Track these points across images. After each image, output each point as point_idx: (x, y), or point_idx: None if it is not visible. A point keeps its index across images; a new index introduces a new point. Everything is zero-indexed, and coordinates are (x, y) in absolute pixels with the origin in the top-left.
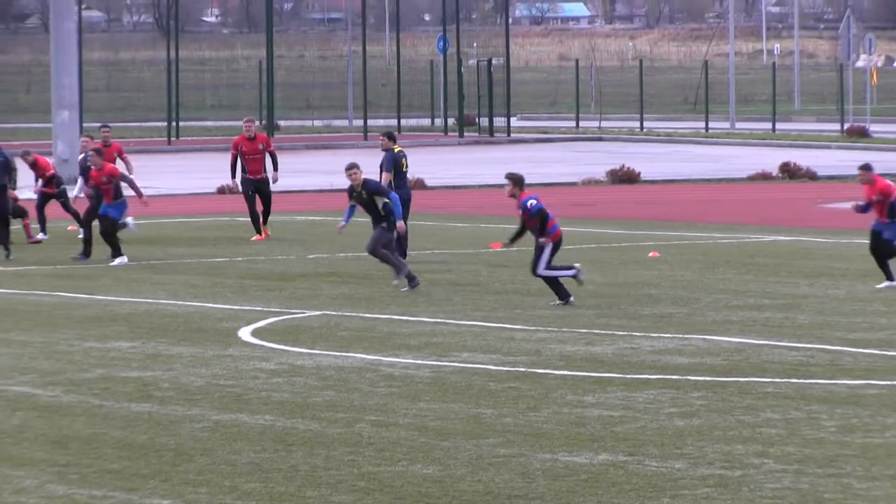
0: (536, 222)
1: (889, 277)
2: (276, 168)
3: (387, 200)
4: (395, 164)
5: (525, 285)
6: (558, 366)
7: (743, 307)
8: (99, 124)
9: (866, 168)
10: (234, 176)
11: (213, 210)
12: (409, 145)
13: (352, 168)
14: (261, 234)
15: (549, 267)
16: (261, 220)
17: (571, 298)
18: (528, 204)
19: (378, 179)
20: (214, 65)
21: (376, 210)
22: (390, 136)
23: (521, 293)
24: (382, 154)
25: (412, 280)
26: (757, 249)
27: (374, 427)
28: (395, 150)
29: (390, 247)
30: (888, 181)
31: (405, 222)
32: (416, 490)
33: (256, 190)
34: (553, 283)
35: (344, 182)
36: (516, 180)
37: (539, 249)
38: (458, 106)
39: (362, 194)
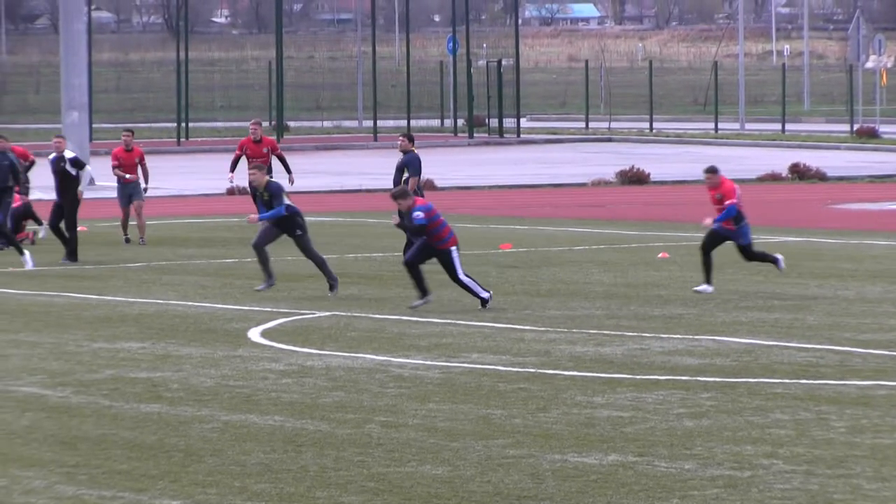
0: (443, 233)
1: (707, 280)
2: (289, 171)
3: (275, 204)
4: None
5: (534, 286)
6: (568, 366)
7: (752, 308)
8: (111, 125)
9: (713, 171)
10: (232, 170)
11: (222, 211)
12: (419, 146)
13: (252, 168)
14: None
15: (466, 274)
16: None
17: (431, 297)
18: (414, 216)
19: (394, 179)
20: (224, 66)
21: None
22: (411, 138)
23: (531, 294)
24: (401, 155)
25: (269, 279)
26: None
27: (383, 428)
28: (415, 152)
29: (312, 253)
30: (734, 183)
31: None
32: (425, 491)
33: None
34: (469, 291)
35: (353, 182)
36: (403, 194)
37: (445, 261)
38: (468, 107)
39: (264, 195)
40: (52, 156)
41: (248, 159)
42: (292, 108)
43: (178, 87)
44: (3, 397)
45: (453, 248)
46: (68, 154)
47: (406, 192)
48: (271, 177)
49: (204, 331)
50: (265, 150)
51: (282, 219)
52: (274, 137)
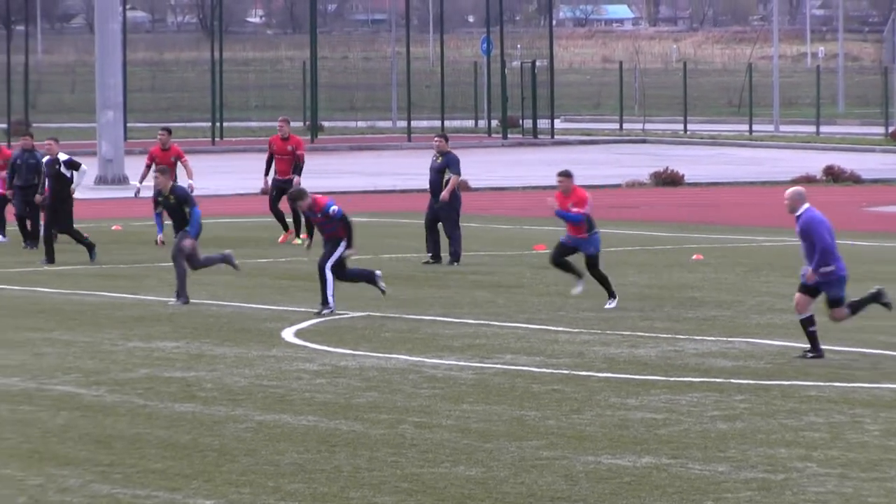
0: (338, 227)
1: (610, 295)
2: (298, 173)
3: (188, 211)
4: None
5: (568, 287)
6: (601, 368)
7: (786, 310)
8: (145, 124)
9: (567, 175)
10: (266, 172)
11: (256, 211)
12: (453, 147)
13: (156, 173)
14: (287, 233)
15: (332, 270)
16: (288, 221)
17: (328, 310)
18: (331, 210)
19: (432, 181)
20: (258, 65)
21: (183, 216)
22: (447, 139)
23: (565, 295)
24: (433, 156)
25: (180, 296)
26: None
27: (417, 428)
28: (453, 153)
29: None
30: (586, 192)
31: (459, 225)
32: (458, 492)
33: (282, 191)
34: (323, 286)
35: (387, 183)
36: (302, 195)
37: (334, 245)
38: (502, 107)
39: (170, 199)
40: (45, 158)
41: (274, 156)
42: (326, 109)
43: (213, 86)
44: (39, 396)
45: (345, 239)
46: (62, 156)
47: (304, 193)
48: (300, 175)
49: (238, 330)
50: (289, 149)
51: (183, 216)
52: (303, 137)
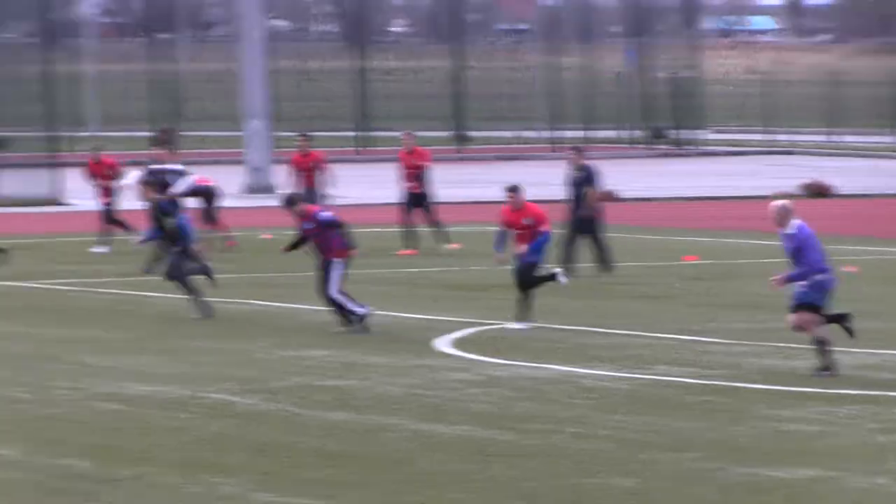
0: (327, 236)
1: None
2: (423, 182)
3: (175, 221)
4: None
5: (719, 298)
6: (756, 380)
7: None
8: (293, 133)
9: (515, 189)
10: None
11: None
12: (598, 157)
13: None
14: (408, 250)
15: (340, 292)
16: (436, 232)
17: (364, 313)
18: (322, 216)
19: (573, 195)
20: (402, 75)
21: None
22: (581, 151)
23: (716, 306)
24: (576, 170)
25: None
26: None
27: (572, 438)
28: (589, 165)
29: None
30: (541, 208)
31: (604, 237)
32: (616, 502)
33: (415, 204)
34: (340, 309)
35: (530, 192)
36: (293, 200)
37: (326, 270)
38: (648, 118)
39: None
40: (154, 166)
41: (403, 170)
42: (472, 118)
43: (358, 96)
44: (193, 404)
45: (339, 259)
46: (171, 166)
47: (296, 199)
48: (424, 187)
49: (390, 339)
50: (414, 161)
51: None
52: (449, 147)
